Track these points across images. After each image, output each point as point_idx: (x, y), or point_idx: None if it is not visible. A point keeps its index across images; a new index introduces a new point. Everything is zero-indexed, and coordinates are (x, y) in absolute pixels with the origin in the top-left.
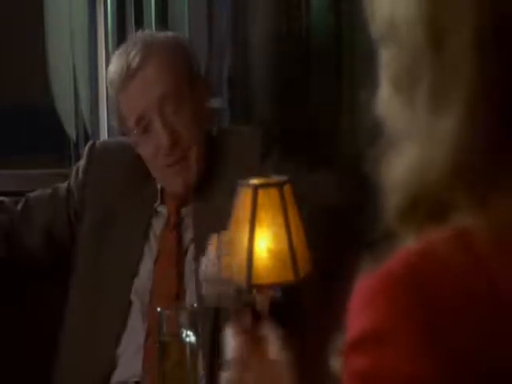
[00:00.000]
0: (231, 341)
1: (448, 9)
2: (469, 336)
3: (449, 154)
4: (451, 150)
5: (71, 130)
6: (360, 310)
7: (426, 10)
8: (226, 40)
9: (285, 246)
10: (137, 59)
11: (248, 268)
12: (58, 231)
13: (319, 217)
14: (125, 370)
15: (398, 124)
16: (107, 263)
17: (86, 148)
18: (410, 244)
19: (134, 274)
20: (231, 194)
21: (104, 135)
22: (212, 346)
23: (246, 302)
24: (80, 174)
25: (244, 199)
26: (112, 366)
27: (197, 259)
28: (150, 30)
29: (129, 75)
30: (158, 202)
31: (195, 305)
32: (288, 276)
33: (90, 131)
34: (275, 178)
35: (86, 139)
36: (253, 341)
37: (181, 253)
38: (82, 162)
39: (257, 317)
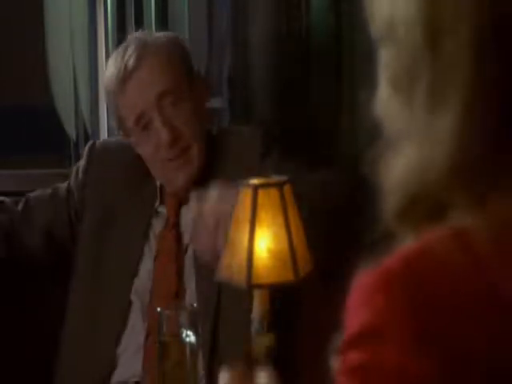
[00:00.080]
0: None
1: (446, 9)
2: (467, 335)
3: (447, 154)
4: (450, 150)
5: (71, 130)
6: (358, 308)
7: (425, 10)
8: (226, 40)
9: (285, 245)
10: (132, 60)
11: (248, 268)
12: (58, 231)
13: (319, 217)
14: (125, 369)
15: (396, 124)
16: (107, 263)
17: (86, 148)
18: (408, 243)
19: (134, 273)
20: (230, 193)
21: (104, 135)
22: (212, 345)
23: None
24: (80, 174)
25: (244, 199)
26: (112, 365)
27: (196, 258)
28: (146, 31)
29: (125, 76)
30: (158, 201)
31: (195, 304)
32: (288, 276)
33: (90, 131)
34: (275, 178)
35: (86, 139)
36: None
37: (180, 252)
38: (82, 162)
39: (253, 363)
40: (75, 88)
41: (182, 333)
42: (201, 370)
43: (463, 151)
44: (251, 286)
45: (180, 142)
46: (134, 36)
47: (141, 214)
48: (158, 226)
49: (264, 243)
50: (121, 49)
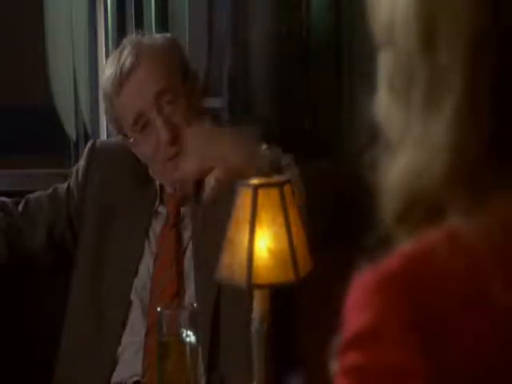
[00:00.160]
0: None
1: (442, 15)
2: (462, 337)
3: (444, 157)
4: (446, 153)
5: (71, 130)
6: (357, 308)
7: (421, 15)
8: (226, 40)
9: (285, 245)
10: (128, 61)
11: (248, 268)
12: (58, 231)
13: (319, 217)
14: (124, 369)
15: (394, 127)
16: (107, 263)
17: (87, 147)
18: (406, 245)
19: (134, 273)
20: (230, 193)
21: (104, 135)
22: (211, 345)
23: None
24: (80, 174)
25: (244, 199)
26: (112, 365)
27: (196, 258)
28: (141, 33)
29: (122, 78)
30: (158, 201)
31: (195, 304)
32: (288, 276)
33: (90, 131)
34: (275, 178)
35: (86, 139)
36: None
37: (180, 251)
38: (82, 162)
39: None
40: (75, 88)
41: (182, 333)
42: (201, 370)
43: (459, 154)
44: (251, 286)
45: (180, 139)
46: (129, 38)
47: (141, 213)
48: (157, 225)
49: (264, 243)
50: (117, 52)
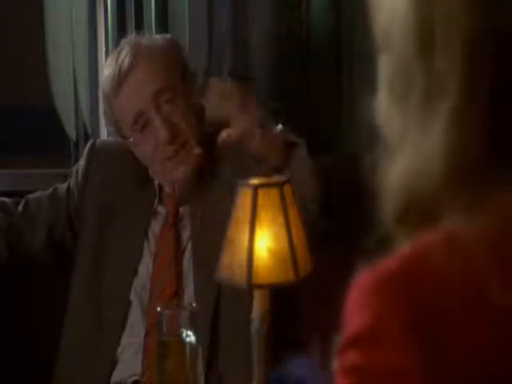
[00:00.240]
0: None
1: (438, 20)
2: (462, 338)
3: (442, 158)
4: (444, 154)
5: (71, 130)
6: (357, 309)
7: (419, 17)
8: (226, 40)
9: (285, 245)
10: (127, 61)
11: (248, 268)
12: (58, 231)
13: (318, 216)
14: (124, 369)
15: (394, 127)
16: (107, 263)
17: (87, 147)
18: (404, 246)
19: (134, 273)
20: (230, 193)
21: (104, 135)
22: (211, 345)
23: None
24: (80, 174)
25: (244, 199)
26: (112, 365)
27: (195, 257)
28: (139, 34)
29: (121, 78)
30: (157, 201)
31: (194, 304)
32: (288, 276)
33: (90, 131)
34: (275, 178)
35: (86, 139)
36: None
37: (179, 251)
38: (81, 162)
39: None
40: (75, 88)
41: (182, 333)
42: (201, 370)
43: (458, 155)
44: (251, 286)
45: (179, 138)
46: (127, 39)
47: (140, 213)
48: (157, 225)
49: (264, 243)
50: (115, 52)
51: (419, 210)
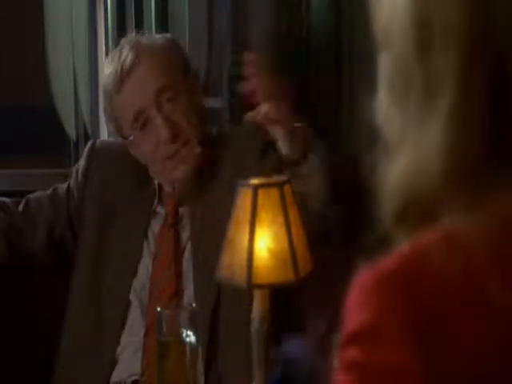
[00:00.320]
0: None
1: (438, 16)
2: (462, 337)
3: (442, 157)
4: (444, 153)
5: (71, 130)
6: (357, 307)
7: (418, 16)
8: (226, 40)
9: (285, 245)
10: (129, 59)
11: (248, 268)
12: (58, 231)
13: (318, 216)
14: (124, 368)
15: (394, 127)
16: (107, 263)
17: (87, 147)
18: (404, 245)
19: (133, 273)
20: (229, 193)
21: (104, 135)
22: (210, 345)
23: None
24: (80, 174)
25: (244, 199)
26: (112, 365)
27: (194, 258)
28: (139, 34)
29: (123, 76)
30: (156, 201)
31: (193, 304)
32: (288, 276)
33: (90, 131)
34: (275, 178)
35: (86, 139)
36: None
37: (178, 251)
38: (81, 162)
39: None
40: (75, 88)
41: (182, 333)
42: (201, 370)
43: (457, 154)
44: (251, 286)
45: (180, 137)
46: (127, 38)
47: (140, 214)
48: (156, 226)
49: (264, 243)
50: (116, 50)
51: (419, 210)
